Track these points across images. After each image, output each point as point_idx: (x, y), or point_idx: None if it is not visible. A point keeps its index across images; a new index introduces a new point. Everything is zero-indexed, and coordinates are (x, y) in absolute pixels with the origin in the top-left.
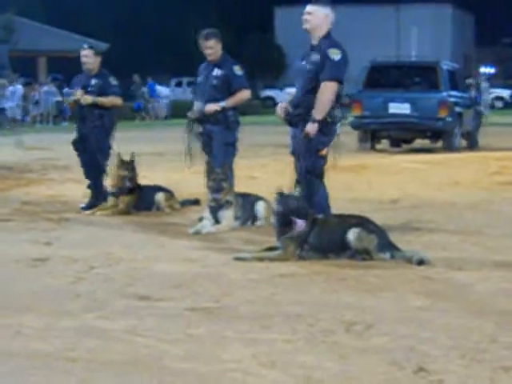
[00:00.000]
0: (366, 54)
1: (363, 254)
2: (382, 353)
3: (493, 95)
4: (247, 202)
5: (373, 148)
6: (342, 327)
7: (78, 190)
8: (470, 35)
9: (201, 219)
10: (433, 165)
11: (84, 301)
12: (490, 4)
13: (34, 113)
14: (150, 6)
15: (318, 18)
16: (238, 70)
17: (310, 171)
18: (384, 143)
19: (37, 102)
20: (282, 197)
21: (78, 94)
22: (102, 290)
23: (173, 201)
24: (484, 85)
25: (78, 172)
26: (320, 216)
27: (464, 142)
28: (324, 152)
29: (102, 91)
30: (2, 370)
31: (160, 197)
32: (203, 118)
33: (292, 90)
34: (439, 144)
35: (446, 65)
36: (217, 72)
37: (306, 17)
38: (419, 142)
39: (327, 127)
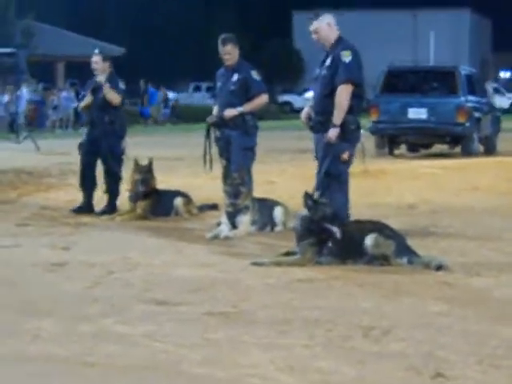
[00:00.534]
0: (383, 59)
1: (381, 260)
2: (400, 358)
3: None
4: (265, 207)
5: (391, 153)
6: (360, 332)
7: (96, 195)
8: (488, 40)
9: (219, 224)
10: (451, 170)
11: (102, 306)
12: (508, 9)
13: (53, 118)
14: (169, 11)
15: (323, 32)
16: (255, 74)
17: (334, 177)
18: (402, 148)
19: (56, 107)
20: (314, 203)
21: (88, 99)
22: (119, 294)
23: (191, 206)
24: (489, 89)
25: (98, 178)
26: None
27: (482, 147)
28: (346, 157)
29: None
30: (19, 374)
31: (178, 202)
32: (221, 123)
33: (310, 95)
34: (457, 149)
35: (464, 70)
36: (235, 77)
37: (313, 36)
38: (437, 147)
39: (350, 133)
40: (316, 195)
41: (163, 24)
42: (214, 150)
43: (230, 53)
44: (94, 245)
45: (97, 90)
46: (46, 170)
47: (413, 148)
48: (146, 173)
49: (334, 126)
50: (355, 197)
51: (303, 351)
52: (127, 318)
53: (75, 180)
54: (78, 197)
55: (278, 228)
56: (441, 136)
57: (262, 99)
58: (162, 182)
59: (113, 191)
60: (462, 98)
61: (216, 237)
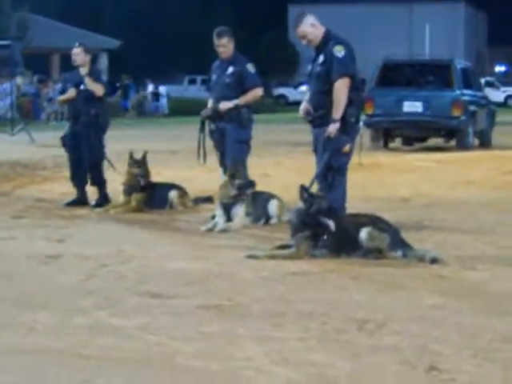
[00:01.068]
0: (379, 52)
1: (375, 253)
2: (394, 351)
3: (506, 93)
4: (260, 199)
5: (385, 146)
6: (355, 326)
7: (91, 188)
8: (483, 33)
9: (213, 217)
10: (445, 163)
11: (96, 298)
12: (503, 2)
13: (48, 110)
14: (165, 3)
15: (310, 34)
16: (250, 67)
17: (334, 169)
18: (397, 142)
19: (51, 99)
20: (310, 196)
21: (72, 92)
22: (114, 287)
23: (185, 198)
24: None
25: None
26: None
27: (477, 141)
28: (347, 149)
29: None
30: (14, 367)
31: (173, 194)
32: (216, 116)
33: (305, 89)
34: (452, 143)
35: (459, 63)
36: (230, 70)
37: (304, 41)
38: (432, 141)
39: (350, 126)
40: (315, 188)
41: (159, 17)
42: (209, 142)
43: (225, 45)
44: (89, 237)
45: (80, 83)
46: (41, 163)
47: (408, 141)
48: (144, 166)
49: (334, 120)
50: (350, 190)
51: (298, 344)
52: (121, 311)
53: (68, 173)
54: (72, 189)
55: (273, 221)
56: (436, 129)
57: (257, 92)
58: (157, 174)
59: (99, 181)
60: (458, 92)
61: (211, 229)
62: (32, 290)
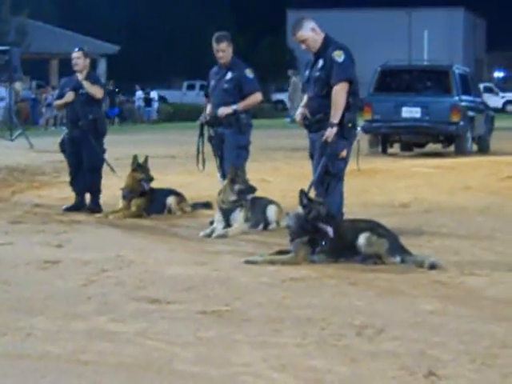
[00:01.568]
0: (377, 57)
1: (374, 259)
2: (393, 357)
3: (505, 99)
4: (258, 205)
5: (384, 152)
6: (353, 331)
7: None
8: (482, 39)
9: (212, 222)
10: (444, 169)
11: (95, 304)
12: (502, 8)
13: (47, 115)
14: (164, 8)
15: (310, 39)
16: (249, 73)
17: (332, 174)
18: (395, 147)
19: (49, 105)
20: (309, 202)
21: (70, 97)
22: (113, 292)
23: (184, 204)
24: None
25: None
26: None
27: (475, 147)
28: (344, 154)
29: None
30: (13, 372)
31: (171, 200)
32: (215, 122)
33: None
34: (450, 148)
35: (458, 69)
36: (229, 75)
37: (302, 46)
38: (431, 147)
39: (347, 131)
40: (312, 193)
41: (158, 22)
42: (207, 148)
43: (224, 50)
44: (88, 243)
45: (78, 87)
46: (40, 168)
47: (406, 147)
48: (148, 171)
49: (332, 124)
50: (348, 196)
51: (296, 350)
52: (120, 316)
53: (68, 178)
54: (71, 194)
55: (272, 226)
56: (434, 135)
57: (256, 97)
58: (155, 180)
59: (95, 188)
60: (456, 98)
61: (209, 235)
62: (30, 296)
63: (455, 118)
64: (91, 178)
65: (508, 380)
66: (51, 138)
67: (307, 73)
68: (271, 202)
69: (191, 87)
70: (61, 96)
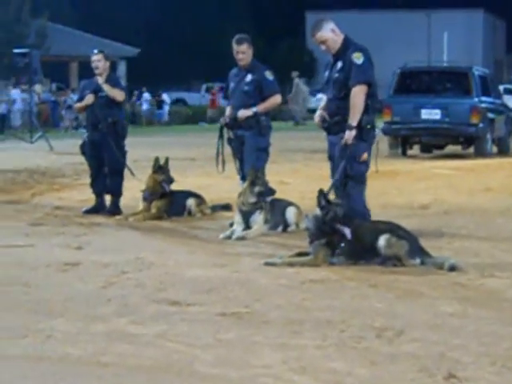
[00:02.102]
0: (397, 59)
1: (394, 260)
2: (413, 359)
3: None
4: (278, 207)
5: (404, 154)
6: (373, 333)
7: (108, 196)
8: (502, 41)
9: (231, 224)
10: (464, 171)
11: (115, 306)
12: None
13: (68, 117)
14: (183, 11)
15: (330, 39)
16: (269, 75)
17: (354, 177)
18: (415, 149)
19: (70, 107)
20: (327, 203)
21: (90, 99)
22: (133, 294)
23: (203, 206)
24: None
25: None
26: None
27: (495, 148)
28: (365, 157)
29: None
30: (33, 374)
31: (191, 202)
32: (235, 124)
33: (323, 96)
34: (470, 150)
35: (477, 70)
36: (249, 77)
37: (322, 47)
38: (450, 148)
39: (366, 133)
40: (331, 195)
41: (177, 25)
42: (227, 150)
43: (244, 52)
44: (107, 245)
45: (98, 90)
46: (60, 170)
47: (426, 149)
48: (168, 172)
49: (351, 127)
50: (368, 197)
51: (316, 352)
52: (140, 318)
53: (88, 180)
54: (91, 196)
55: (291, 228)
56: (454, 137)
57: (276, 100)
58: (175, 181)
59: (116, 191)
60: (476, 99)
61: (229, 237)
62: (50, 298)
63: (475, 120)
64: (112, 180)
65: None
66: (71, 140)
67: (326, 74)
68: (290, 203)
69: (210, 89)
70: (81, 99)
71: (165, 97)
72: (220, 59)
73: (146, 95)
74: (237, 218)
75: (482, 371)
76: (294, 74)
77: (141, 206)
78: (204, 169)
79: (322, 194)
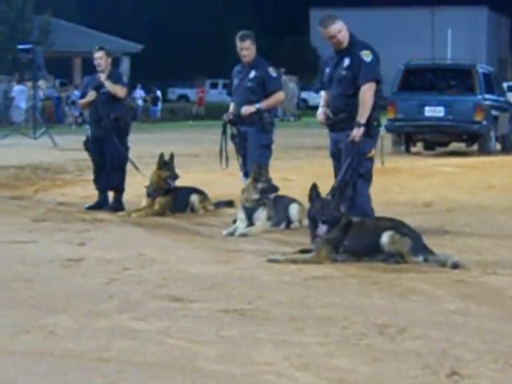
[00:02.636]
0: (400, 56)
1: (397, 258)
2: (415, 356)
3: None
4: (281, 203)
5: (407, 151)
6: (376, 330)
7: (111, 192)
8: (506, 38)
9: (234, 221)
10: (467, 168)
11: (117, 302)
12: None
13: (72, 114)
14: (186, 7)
15: (340, 35)
16: (272, 71)
17: (361, 174)
18: (418, 146)
19: (73, 103)
20: (315, 199)
21: (92, 95)
22: (135, 291)
23: (207, 202)
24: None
25: None
26: (355, 219)
27: (499, 146)
28: (373, 154)
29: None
30: (35, 370)
31: (194, 198)
32: (238, 120)
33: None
34: (474, 147)
35: (481, 68)
36: (252, 74)
37: (332, 40)
38: (454, 145)
39: (373, 130)
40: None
41: (180, 21)
42: (230, 146)
43: (247, 48)
44: (110, 241)
45: (100, 86)
46: (63, 166)
47: (429, 146)
48: (173, 168)
49: (359, 124)
50: (371, 195)
51: (318, 349)
52: (142, 314)
53: (91, 176)
54: (94, 193)
55: (294, 225)
56: (458, 134)
57: (279, 96)
58: (179, 178)
59: (119, 187)
60: (480, 97)
61: (232, 234)
62: (53, 294)
63: (478, 117)
64: (115, 176)
65: None
66: (75, 136)
67: (328, 71)
68: (293, 200)
69: (214, 86)
70: (84, 95)
71: (159, 93)
72: (223, 55)
73: (139, 92)
74: (240, 214)
75: (484, 368)
76: (281, 70)
77: (144, 202)
78: (207, 165)
79: (313, 188)
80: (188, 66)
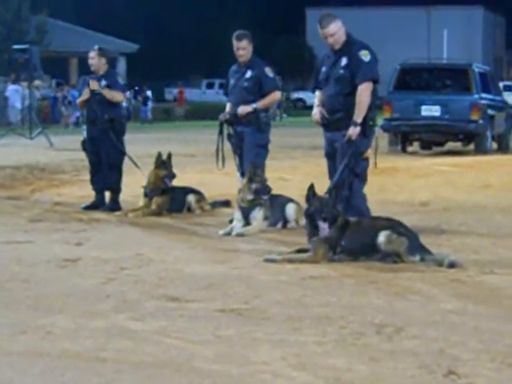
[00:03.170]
0: (397, 56)
1: (393, 257)
2: (412, 356)
3: None
4: (277, 203)
5: (403, 150)
6: (373, 330)
7: (108, 192)
8: (501, 38)
9: (231, 221)
10: (463, 167)
11: (114, 301)
12: None
13: (66, 114)
14: (182, 7)
15: (338, 34)
16: (269, 71)
17: (356, 174)
18: (415, 145)
19: (70, 103)
20: (312, 198)
21: (86, 94)
22: (132, 290)
23: (203, 202)
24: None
25: None
26: (352, 219)
27: (495, 145)
28: (369, 153)
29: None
30: (32, 370)
31: (191, 198)
32: (234, 120)
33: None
34: (470, 147)
35: (477, 67)
36: (249, 74)
37: (330, 39)
38: (450, 145)
39: (368, 129)
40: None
41: (176, 21)
42: (227, 146)
43: (244, 48)
44: (107, 241)
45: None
46: (59, 166)
47: (426, 145)
48: (171, 168)
49: (356, 123)
50: (367, 194)
51: (315, 348)
52: (139, 314)
53: (88, 176)
54: (90, 193)
55: (291, 225)
56: (454, 133)
57: (276, 96)
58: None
59: (115, 186)
60: (476, 96)
61: (228, 233)
62: (50, 294)
63: (475, 117)
64: (111, 176)
65: None
66: (71, 136)
67: (325, 70)
68: (290, 200)
69: (210, 85)
70: (81, 94)
71: (149, 93)
72: (220, 55)
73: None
74: (236, 214)
75: (481, 368)
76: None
77: (141, 202)
78: (204, 165)
79: (310, 188)
80: (184, 66)
